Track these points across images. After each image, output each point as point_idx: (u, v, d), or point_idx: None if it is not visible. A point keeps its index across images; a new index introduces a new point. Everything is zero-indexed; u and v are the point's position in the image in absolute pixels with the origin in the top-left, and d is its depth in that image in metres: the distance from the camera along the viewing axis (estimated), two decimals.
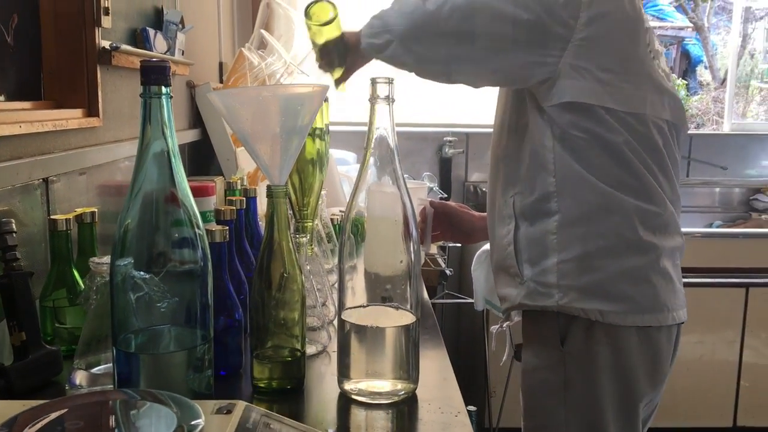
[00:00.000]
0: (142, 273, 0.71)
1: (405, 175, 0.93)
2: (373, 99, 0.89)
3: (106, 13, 1.36)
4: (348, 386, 0.89)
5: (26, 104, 1.24)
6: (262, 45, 2.31)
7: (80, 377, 0.85)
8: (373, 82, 0.89)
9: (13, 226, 0.90)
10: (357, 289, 0.92)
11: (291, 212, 1.19)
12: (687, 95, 4.48)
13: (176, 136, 0.74)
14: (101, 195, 1.38)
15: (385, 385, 0.88)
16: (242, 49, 2.15)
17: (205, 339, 0.75)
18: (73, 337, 0.98)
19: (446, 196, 3.07)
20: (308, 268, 1.06)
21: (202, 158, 2.14)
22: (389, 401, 0.87)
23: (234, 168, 2.02)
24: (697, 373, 2.64)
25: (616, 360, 1.12)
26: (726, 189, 3.35)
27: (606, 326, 1.11)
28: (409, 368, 0.89)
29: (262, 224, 1.27)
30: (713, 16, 4.83)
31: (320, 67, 1.29)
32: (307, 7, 1.25)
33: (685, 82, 4.75)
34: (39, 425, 0.57)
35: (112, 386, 0.76)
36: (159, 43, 1.65)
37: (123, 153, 1.49)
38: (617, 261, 1.11)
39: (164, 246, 0.73)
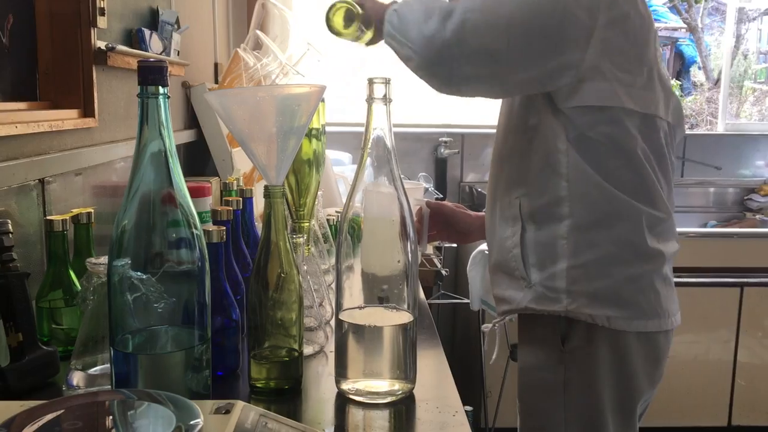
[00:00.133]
0: (139, 273, 0.71)
1: (401, 176, 0.93)
2: (371, 99, 0.89)
3: (102, 14, 1.36)
4: (345, 386, 0.89)
5: (22, 105, 1.24)
6: (258, 46, 2.31)
7: (77, 378, 0.85)
8: (370, 82, 0.89)
9: (10, 227, 0.90)
10: (354, 289, 0.92)
11: (288, 212, 1.19)
12: (681, 96, 4.49)
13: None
14: (97, 195, 1.38)
15: (383, 384, 0.88)
16: (238, 49, 2.15)
17: (202, 339, 0.75)
18: (69, 338, 0.98)
19: (442, 196, 3.07)
20: (305, 268, 1.06)
21: (197, 159, 2.14)
22: (387, 401, 0.87)
23: (229, 168, 2.02)
24: (692, 373, 2.65)
25: (617, 360, 1.13)
26: (720, 189, 3.36)
27: (608, 328, 1.11)
28: (406, 368, 0.89)
29: (258, 225, 1.27)
30: (707, 17, 4.85)
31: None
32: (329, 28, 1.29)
33: (679, 82, 4.77)
34: (37, 425, 0.57)
35: (109, 387, 0.76)
36: (155, 43, 1.65)
37: (119, 153, 1.49)
38: (625, 268, 1.11)
39: (161, 246, 0.73)
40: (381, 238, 0.92)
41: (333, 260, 1.34)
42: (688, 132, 3.52)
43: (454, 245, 2.64)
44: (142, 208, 0.72)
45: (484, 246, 1.37)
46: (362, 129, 0.90)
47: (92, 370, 0.85)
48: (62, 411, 0.60)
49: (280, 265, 0.88)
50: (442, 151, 3.19)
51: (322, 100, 1.17)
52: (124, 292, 0.71)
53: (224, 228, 0.95)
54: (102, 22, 1.36)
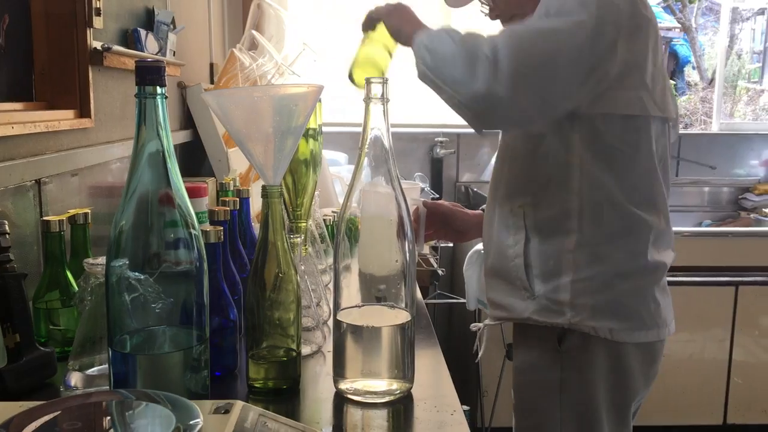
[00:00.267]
0: (137, 274, 0.71)
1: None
2: (368, 99, 0.89)
3: (98, 14, 1.36)
4: (344, 386, 0.89)
5: (18, 105, 1.24)
6: (253, 46, 2.31)
7: (75, 379, 0.85)
8: (368, 82, 0.89)
9: (6, 228, 0.90)
10: (351, 289, 0.92)
11: (285, 213, 1.19)
12: (675, 95, 4.50)
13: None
14: (93, 196, 1.38)
15: (381, 384, 0.88)
16: (233, 50, 2.15)
17: (201, 339, 0.75)
18: (66, 339, 0.98)
19: (438, 196, 3.07)
20: (302, 268, 1.06)
21: (193, 159, 2.14)
22: (385, 400, 0.88)
23: (226, 169, 2.02)
24: (688, 372, 2.66)
25: (614, 361, 1.13)
26: (715, 188, 3.38)
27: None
28: (404, 367, 0.90)
29: (255, 225, 1.27)
30: (701, 17, 4.86)
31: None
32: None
33: (674, 82, 4.78)
34: (35, 426, 0.57)
35: (107, 387, 0.76)
36: (150, 43, 1.65)
37: (115, 154, 1.48)
38: (629, 280, 1.12)
39: (159, 247, 0.73)
40: (379, 238, 0.92)
41: (330, 260, 1.34)
42: (682, 131, 3.53)
43: (450, 245, 2.64)
44: (140, 208, 0.72)
45: (480, 246, 1.37)
46: (358, 129, 0.90)
47: (90, 371, 0.85)
48: (61, 411, 0.60)
49: (277, 265, 0.88)
50: (437, 151, 3.20)
51: (319, 101, 1.17)
52: (122, 292, 0.71)
53: (221, 228, 0.95)
54: (98, 22, 1.36)
